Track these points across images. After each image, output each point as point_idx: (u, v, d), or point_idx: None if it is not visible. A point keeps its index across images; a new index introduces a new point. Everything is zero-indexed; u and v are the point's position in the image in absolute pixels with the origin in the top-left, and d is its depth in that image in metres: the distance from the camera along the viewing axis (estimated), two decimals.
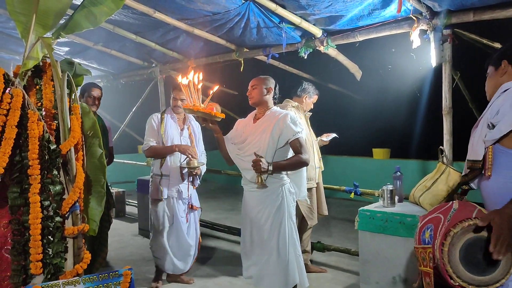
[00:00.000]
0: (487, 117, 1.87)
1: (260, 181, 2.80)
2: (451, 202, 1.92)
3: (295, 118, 2.96)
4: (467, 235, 1.67)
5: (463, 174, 2.02)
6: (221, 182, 10.18)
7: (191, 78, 2.73)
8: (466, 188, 2.09)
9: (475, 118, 4.05)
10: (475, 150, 1.90)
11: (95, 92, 3.86)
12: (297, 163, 2.89)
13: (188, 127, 3.95)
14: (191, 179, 3.87)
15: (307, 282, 3.00)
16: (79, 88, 2.26)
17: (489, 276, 1.67)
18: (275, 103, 3.12)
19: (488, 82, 2.05)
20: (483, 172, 1.87)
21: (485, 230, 1.65)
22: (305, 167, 3.04)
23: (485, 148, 1.84)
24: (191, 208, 3.90)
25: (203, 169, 3.96)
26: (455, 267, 1.69)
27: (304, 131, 3.08)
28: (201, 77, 2.78)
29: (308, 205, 3.90)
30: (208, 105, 2.85)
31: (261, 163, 2.74)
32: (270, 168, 2.79)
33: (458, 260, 1.68)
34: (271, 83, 3.05)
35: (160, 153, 3.78)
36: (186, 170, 3.76)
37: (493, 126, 1.80)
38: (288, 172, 3.00)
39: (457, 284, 1.69)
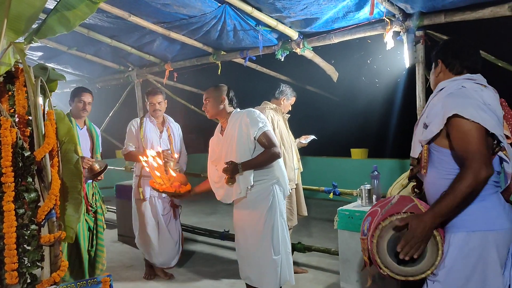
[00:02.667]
0: (423, 116, 1.94)
1: (228, 181, 2.88)
2: (393, 196, 2.03)
3: (255, 113, 2.96)
4: (395, 230, 1.77)
5: (410, 168, 2.10)
6: None
7: (151, 161, 3.01)
8: (415, 183, 2.15)
9: None
10: (414, 148, 1.98)
11: (86, 97, 3.68)
12: (268, 157, 2.88)
13: (167, 128, 4.12)
14: None
15: (293, 280, 3.05)
16: (52, 93, 2.22)
17: (415, 267, 1.76)
18: (235, 107, 3.12)
19: (431, 77, 2.11)
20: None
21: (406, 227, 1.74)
22: (279, 162, 3.02)
23: (421, 147, 1.91)
24: (172, 206, 4.11)
25: (182, 170, 4.09)
26: (383, 258, 1.78)
27: (270, 125, 3.07)
28: (160, 162, 3.11)
29: (288, 206, 3.92)
30: (173, 182, 3.13)
31: (228, 165, 2.81)
32: (240, 167, 2.82)
33: (386, 251, 1.77)
34: (222, 91, 3.05)
35: (138, 158, 3.80)
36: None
37: (427, 126, 1.86)
38: (275, 170, 3.00)
39: (386, 273, 1.78)
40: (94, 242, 3.59)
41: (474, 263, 1.74)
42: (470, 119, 1.69)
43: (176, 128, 4.18)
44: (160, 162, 3.20)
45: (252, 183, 2.89)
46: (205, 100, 3.06)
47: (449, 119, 1.74)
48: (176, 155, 3.87)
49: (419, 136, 1.93)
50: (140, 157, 3.24)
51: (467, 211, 1.76)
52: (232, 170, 2.82)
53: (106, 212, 3.86)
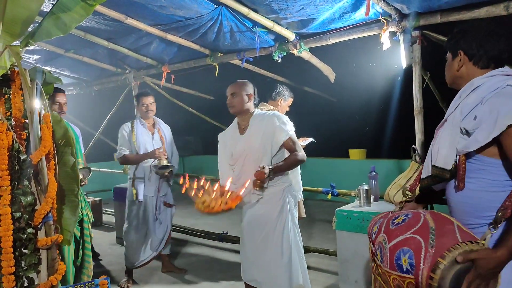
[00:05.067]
0: (457, 118, 1.62)
1: (259, 187, 2.76)
2: (420, 215, 1.61)
3: (283, 117, 2.95)
4: (457, 265, 1.44)
5: (422, 177, 1.79)
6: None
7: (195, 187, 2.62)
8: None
9: None
10: (444, 156, 1.64)
11: (60, 98, 3.51)
12: (295, 162, 2.88)
13: (158, 130, 4.28)
14: (165, 180, 4.18)
15: (309, 284, 2.98)
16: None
17: None
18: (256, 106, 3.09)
19: (447, 70, 1.81)
20: (454, 181, 1.65)
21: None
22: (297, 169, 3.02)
23: (457, 156, 1.60)
24: (166, 205, 4.22)
25: (174, 169, 4.24)
26: None
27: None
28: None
29: None
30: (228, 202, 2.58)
31: (264, 171, 2.67)
32: (271, 173, 2.75)
33: None
34: (251, 88, 2.98)
35: (133, 162, 4.13)
36: (156, 170, 4.05)
37: (467, 132, 1.56)
38: (289, 173, 3.00)
39: None
40: (80, 253, 3.37)
41: None
42: None
43: (166, 129, 4.35)
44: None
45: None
46: (232, 94, 2.92)
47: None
48: (168, 154, 4.16)
49: (454, 144, 1.60)
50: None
51: None
52: (265, 176, 2.70)
53: (92, 219, 3.68)
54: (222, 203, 2.52)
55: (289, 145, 2.87)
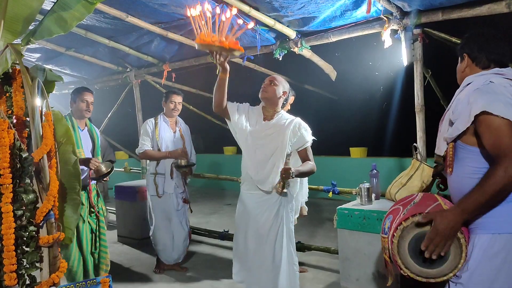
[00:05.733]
0: (449, 112, 1.86)
1: (282, 188, 2.80)
2: (416, 193, 1.95)
3: (306, 125, 3.00)
4: (416, 230, 1.71)
5: (434, 165, 2.04)
6: (200, 186, 10.13)
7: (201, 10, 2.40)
8: (440, 179, 2.10)
9: None
10: (439, 145, 1.91)
11: (88, 97, 3.60)
12: (311, 170, 2.94)
13: (180, 129, 4.40)
14: (184, 177, 4.31)
15: None
16: (50, 94, 2.22)
17: (437, 269, 1.71)
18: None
19: (457, 72, 2.01)
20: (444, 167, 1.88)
21: (430, 226, 1.67)
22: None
23: (447, 144, 1.84)
24: (184, 201, 4.34)
25: (194, 167, 4.39)
26: (404, 259, 1.72)
27: None
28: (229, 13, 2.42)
29: None
30: (224, 39, 2.48)
31: (290, 170, 2.71)
32: (293, 175, 2.76)
33: (407, 252, 1.72)
34: (287, 88, 3.03)
35: (154, 157, 4.23)
36: (177, 169, 4.19)
37: (453, 123, 1.79)
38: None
39: (406, 274, 1.73)
40: (98, 244, 3.55)
41: (499, 266, 1.67)
42: (500, 115, 1.62)
43: (186, 129, 4.49)
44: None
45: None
46: (271, 81, 2.95)
47: (476, 116, 1.67)
48: (188, 153, 4.29)
49: (444, 133, 1.85)
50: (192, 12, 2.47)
51: (493, 212, 1.68)
52: (289, 176, 2.73)
53: (106, 213, 3.84)
54: (222, 40, 2.46)
55: (305, 153, 2.96)
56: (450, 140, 1.81)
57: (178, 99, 4.30)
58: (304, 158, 2.96)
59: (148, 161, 4.51)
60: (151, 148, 4.21)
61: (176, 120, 4.42)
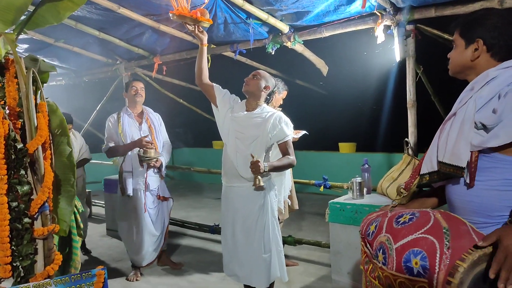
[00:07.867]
0: (470, 112, 1.48)
1: (258, 182, 2.76)
2: (429, 214, 1.47)
3: (287, 118, 2.99)
4: (477, 268, 1.31)
5: (422, 172, 1.66)
6: (189, 180, 10.11)
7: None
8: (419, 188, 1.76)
9: (438, 111, 4.22)
10: (456, 153, 1.50)
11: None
12: (287, 165, 2.92)
13: (147, 119, 4.07)
14: (157, 170, 4.01)
15: (286, 277, 3.03)
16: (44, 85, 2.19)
17: None
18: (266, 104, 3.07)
19: (455, 58, 1.65)
20: (460, 178, 1.52)
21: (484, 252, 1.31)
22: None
23: (469, 152, 1.47)
24: (160, 199, 4.05)
25: (165, 159, 4.07)
26: None
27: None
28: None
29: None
30: (196, 11, 2.82)
31: (260, 164, 2.70)
32: (266, 169, 2.77)
33: None
34: (271, 84, 3.01)
35: (120, 152, 3.94)
36: (142, 160, 3.87)
37: (484, 127, 1.43)
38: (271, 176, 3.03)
39: None
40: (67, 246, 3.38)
41: None
42: None
43: (156, 118, 4.15)
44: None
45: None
46: (255, 76, 2.96)
47: None
48: (158, 145, 3.98)
49: (468, 140, 1.46)
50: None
51: None
52: (260, 170, 2.72)
53: (81, 209, 3.64)
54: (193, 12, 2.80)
55: (284, 147, 2.93)
56: (479, 148, 1.44)
57: (139, 84, 4.00)
58: (284, 152, 2.94)
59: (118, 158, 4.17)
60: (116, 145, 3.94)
61: (142, 110, 4.10)
